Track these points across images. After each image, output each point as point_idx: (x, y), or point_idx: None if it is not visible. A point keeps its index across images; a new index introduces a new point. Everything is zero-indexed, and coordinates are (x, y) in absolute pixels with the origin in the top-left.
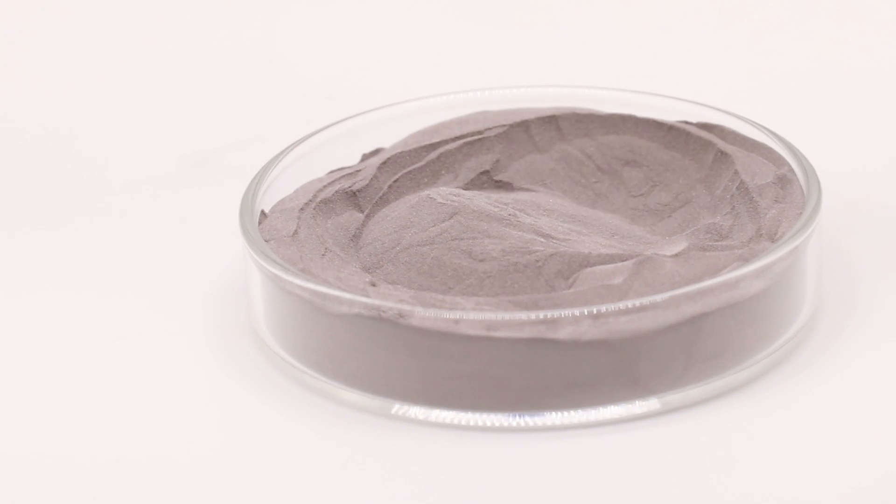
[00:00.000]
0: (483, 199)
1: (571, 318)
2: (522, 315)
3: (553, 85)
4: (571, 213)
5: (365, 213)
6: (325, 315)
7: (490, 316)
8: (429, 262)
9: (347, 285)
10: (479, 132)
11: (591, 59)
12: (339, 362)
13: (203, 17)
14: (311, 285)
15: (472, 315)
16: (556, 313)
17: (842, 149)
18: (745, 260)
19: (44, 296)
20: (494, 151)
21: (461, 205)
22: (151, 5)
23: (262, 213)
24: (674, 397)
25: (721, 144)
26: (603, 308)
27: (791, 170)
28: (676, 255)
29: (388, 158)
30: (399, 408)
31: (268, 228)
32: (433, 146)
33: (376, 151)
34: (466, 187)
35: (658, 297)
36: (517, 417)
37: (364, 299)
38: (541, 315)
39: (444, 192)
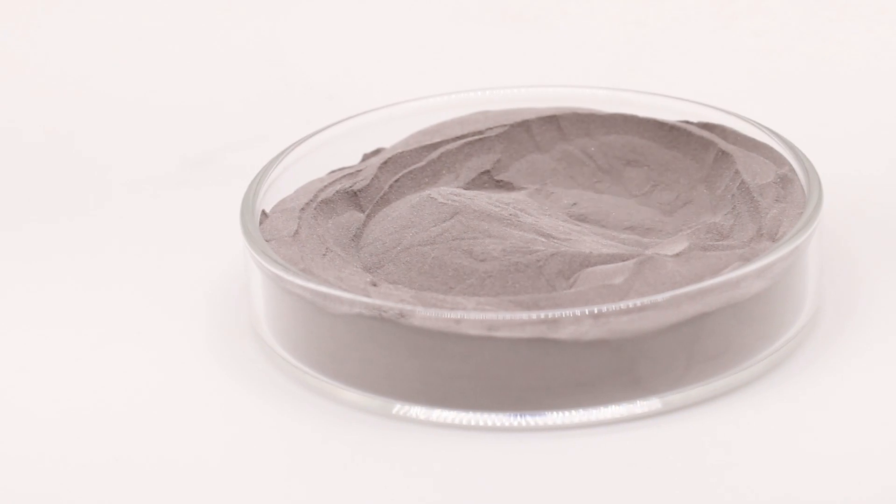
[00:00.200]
0: (484, 199)
1: (572, 318)
2: (523, 315)
3: (554, 85)
4: (576, 206)
5: (366, 213)
6: (326, 315)
7: (491, 316)
8: (430, 261)
9: (348, 285)
10: (480, 132)
11: (592, 59)
12: (341, 362)
13: (204, 17)
14: (312, 285)
15: (473, 315)
16: (557, 313)
17: (843, 148)
18: (746, 260)
19: (44, 296)
20: (495, 151)
21: (462, 205)
22: (152, 5)
23: (263, 213)
24: (675, 397)
25: (722, 144)
26: (604, 308)
27: (792, 169)
28: (677, 255)
29: (389, 158)
30: (400, 408)
31: (269, 228)
32: (434, 146)
33: (377, 151)
34: (467, 187)
35: (659, 297)
36: (518, 417)
37: (365, 299)
38: (542, 315)
39: (445, 192)
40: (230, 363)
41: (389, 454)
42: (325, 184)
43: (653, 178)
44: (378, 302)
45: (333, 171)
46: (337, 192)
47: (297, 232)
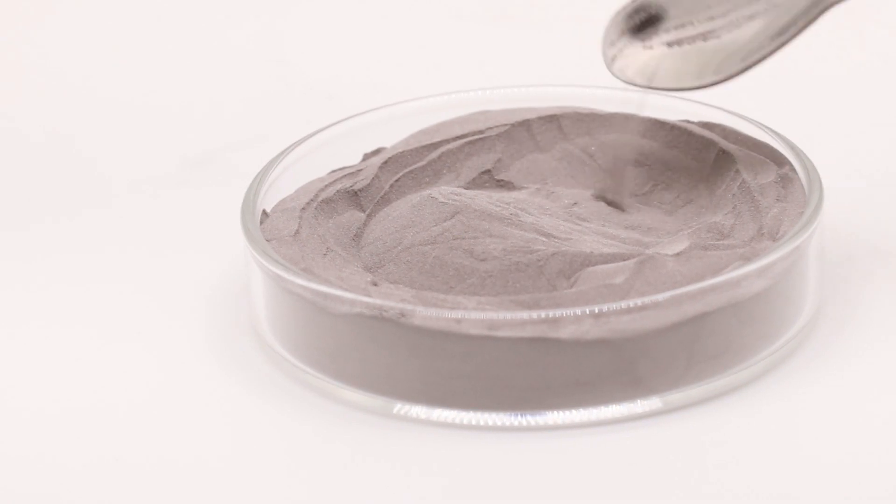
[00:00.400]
0: (485, 199)
1: (573, 318)
2: (524, 314)
3: (555, 84)
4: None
5: (366, 213)
6: (326, 315)
7: (492, 315)
8: (430, 261)
9: (349, 285)
10: (481, 131)
11: (593, 59)
12: (341, 362)
13: (204, 17)
14: (312, 285)
15: (473, 314)
16: (557, 312)
17: (843, 148)
18: (747, 259)
19: (44, 295)
20: (496, 151)
21: (463, 204)
22: (152, 5)
23: (264, 212)
24: (675, 396)
25: (723, 143)
26: (605, 307)
27: (793, 169)
28: (678, 255)
29: (390, 158)
30: (401, 407)
31: (269, 228)
32: (434, 145)
33: (378, 151)
34: (468, 187)
35: (660, 297)
36: (519, 417)
37: (366, 299)
38: (542, 314)
39: (446, 192)
40: (230, 363)
41: (390, 454)
42: (326, 183)
43: (653, 177)
44: (379, 301)
45: (334, 171)
46: (338, 191)
47: (297, 231)
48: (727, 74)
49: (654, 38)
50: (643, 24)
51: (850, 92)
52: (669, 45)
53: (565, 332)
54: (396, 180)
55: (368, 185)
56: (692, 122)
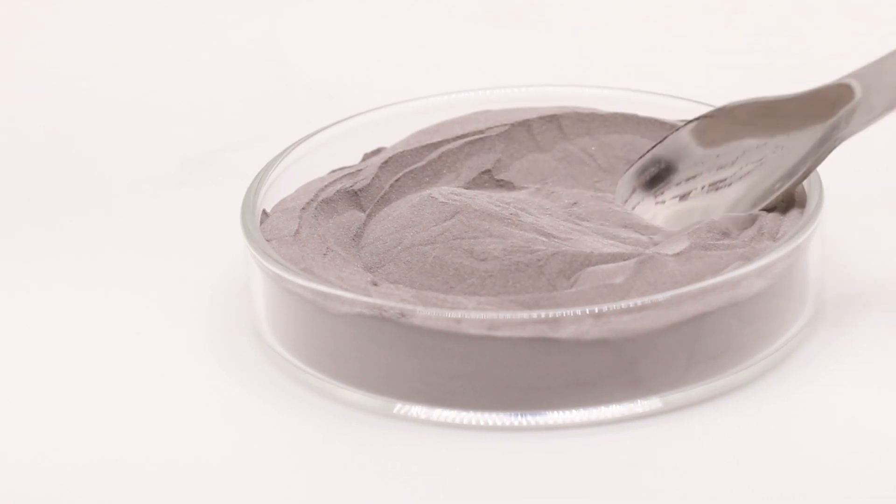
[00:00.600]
0: (484, 199)
1: (573, 318)
2: (524, 314)
3: (555, 84)
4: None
5: (366, 213)
6: (326, 315)
7: (492, 315)
8: (430, 261)
9: (349, 285)
10: (481, 131)
11: (593, 59)
12: (341, 362)
13: (204, 17)
14: (312, 285)
15: (473, 314)
16: (557, 312)
17: (843, 147)
18: (747, 259)
19: (44, 296)
20: (496, 151)
21: (462, 204)
22: (152, 5)
23: (264, 212)
24: (675, 396)
25: None
26: (605, 307)
27: None
28: (678, 254)
29: (390, 158)
30: (401, 407)
31: (269, 228)
32: (434, 145)
33: (378, 151)
34: (468, 186)
35: (660, 297)
36: (519, 417)
37: (365, 299)
38: (542, 314)
39: (446, 192)
40: (230, 363)
41: (390, 454)
42: (326, 183)
43: None
44: (379, 301)
45: (334, 171)
46: (338, 191)
47: (297, 231)
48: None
49: (666, 191)
50: (654, 179)
51: None
52: (681, 198)
53: (565, 332)
54: (396, 180)
55: (368, 184)
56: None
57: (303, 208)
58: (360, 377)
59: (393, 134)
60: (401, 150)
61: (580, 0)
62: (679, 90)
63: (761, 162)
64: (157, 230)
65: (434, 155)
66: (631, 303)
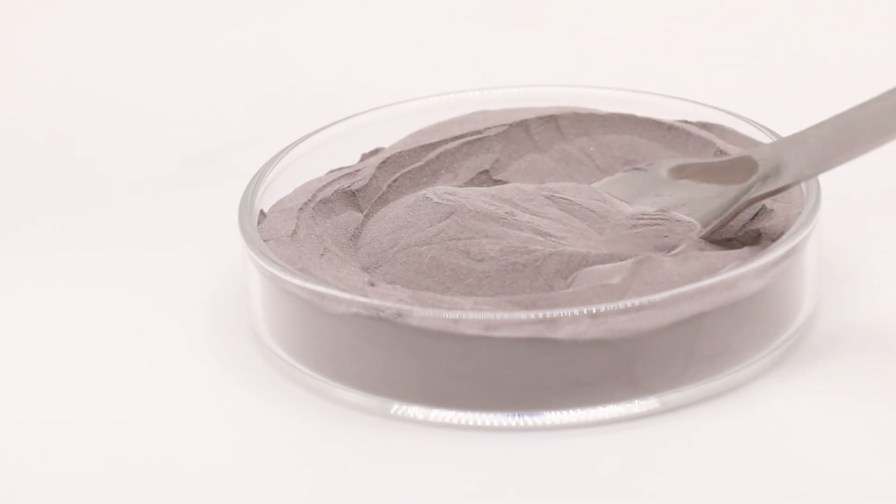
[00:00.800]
0: (479, 197)
1: (570, 318)
2: (521, 315)
3: (553, 84)
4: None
5: (364, 213)
6: (323, 315)
7: (489, 315)
8: (427, 261)
9: (346, 285)
10: (479, 132)
11: (591, 59)
12: (338, 362)
13: (203, 17)
14: (309, 285)
15: (470, 315)
16: (554, 313)
17: None
18: (744, 259)
19: (44, 295)
20: (494, 151)
21: (457, 204)
22: (152, 5)
23: (262, 212)
24: (673, 397)
25: (721, 144)
26: (602, 307)
27: None
28: (675, 255)
29: (388, 158)
30: (398, 408)
31: (267, 228)
32: (433, 146)
33: (376, 151)
34: (465, 187)
35: (657, 297)
36: (516, 417)
37: (362, 299)
38: (539, 315)
39: (440, 192)
40: (229, 363)
41: (388, 454)
42: (324, 184)
43: None
44: (375, 302)
45: (332, 171)
46: (335, 191)
47: (295, 232)
48: None
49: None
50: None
51: (850, 91)
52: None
53: (562, 333)
54: (394, 180)
55: (366, 185)
56: (690, 122)
57: (300, 208)
58: (358, 377)
59: (391, 134)
60: (399, 150)
61: (578, 0)
62: (677, 90)
63: (689, 201)
64: (157, 230)
65: (432, 155)
66: (628, 303)
